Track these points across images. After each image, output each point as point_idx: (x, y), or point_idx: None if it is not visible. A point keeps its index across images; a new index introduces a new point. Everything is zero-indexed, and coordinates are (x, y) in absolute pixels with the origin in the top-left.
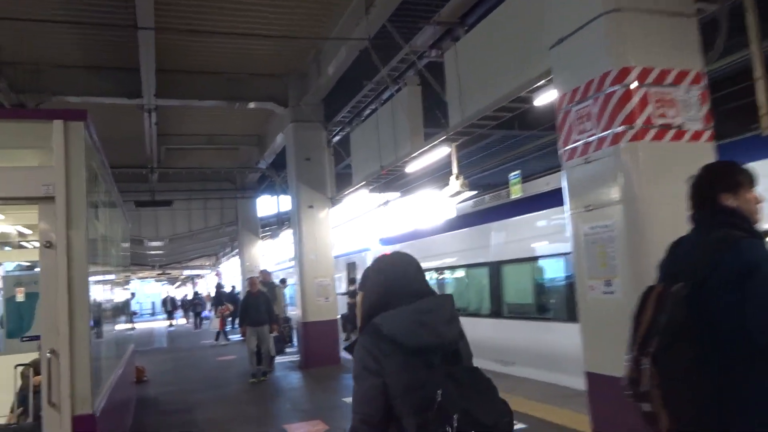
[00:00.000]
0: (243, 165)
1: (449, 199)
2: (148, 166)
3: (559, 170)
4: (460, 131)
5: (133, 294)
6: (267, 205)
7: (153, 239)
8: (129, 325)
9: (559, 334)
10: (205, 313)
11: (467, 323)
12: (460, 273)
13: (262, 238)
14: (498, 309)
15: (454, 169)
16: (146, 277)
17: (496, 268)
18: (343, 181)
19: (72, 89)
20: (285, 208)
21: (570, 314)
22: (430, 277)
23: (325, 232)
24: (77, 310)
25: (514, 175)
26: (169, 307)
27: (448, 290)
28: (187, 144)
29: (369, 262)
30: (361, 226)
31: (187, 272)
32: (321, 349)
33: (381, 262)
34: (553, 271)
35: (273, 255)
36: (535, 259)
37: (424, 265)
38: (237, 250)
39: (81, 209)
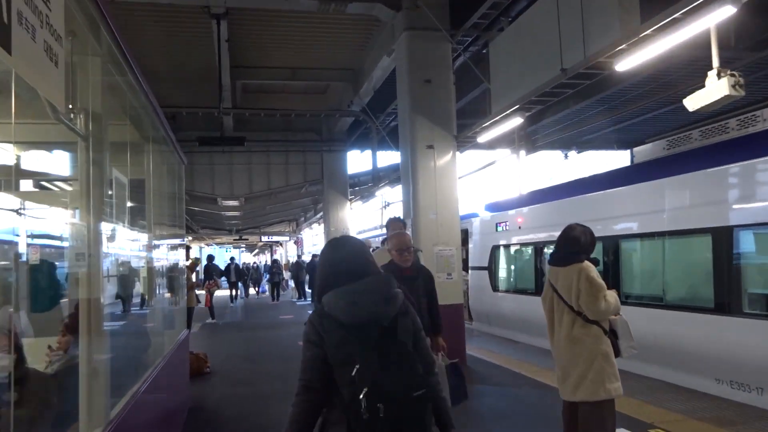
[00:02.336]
0: (332, 108)
1: (700, 109)
2: (219, 106)
3: None
4: None
5: (196, 260)
6: (356, 161)
7: (227, 197)
8: (181, 300)
9: None
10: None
11: (651, 317)
12: (647, 245)
13: (351, 200)
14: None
15: (715, 61)
16: (223, 243)
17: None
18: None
19: None
20: (382, 162)
21: None
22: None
23: (450, 183)
24: None
25: None
26: (233, 276)
27: (623, 269)
28: (267, 79)
29: (478, 228)
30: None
31: (265, 238)
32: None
33: (326, 246)
34: None
35: (357, 221)
36: None
37: None
38: (321, 214)
39: None
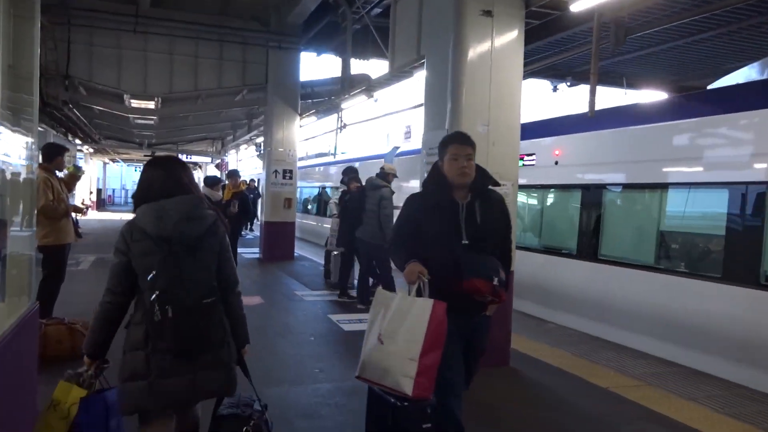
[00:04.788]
0: None
1: None
2: None
3: None
4: None
5: (76, 169)
6: (309, 71)
7: (139, 96)
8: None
9: None
10: None
11: None
12: None
13: (302, 115)
14: None
15: None
16: (132, 160)
17: None
18: None
19: None
20: (357, 69)
21: None
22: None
23: (513, 76)
24: None
25: None
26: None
27: None
28: None
29: None
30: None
31: (182, 158)
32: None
33: (147, 163)
34: None
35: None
36: None
37: None
38: (256, 131)
39: None
